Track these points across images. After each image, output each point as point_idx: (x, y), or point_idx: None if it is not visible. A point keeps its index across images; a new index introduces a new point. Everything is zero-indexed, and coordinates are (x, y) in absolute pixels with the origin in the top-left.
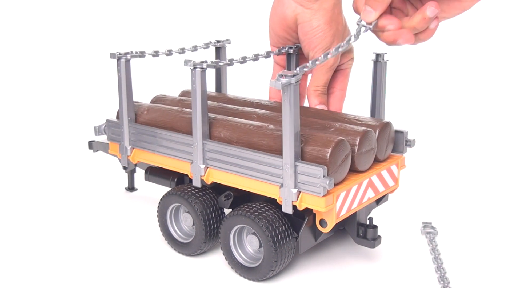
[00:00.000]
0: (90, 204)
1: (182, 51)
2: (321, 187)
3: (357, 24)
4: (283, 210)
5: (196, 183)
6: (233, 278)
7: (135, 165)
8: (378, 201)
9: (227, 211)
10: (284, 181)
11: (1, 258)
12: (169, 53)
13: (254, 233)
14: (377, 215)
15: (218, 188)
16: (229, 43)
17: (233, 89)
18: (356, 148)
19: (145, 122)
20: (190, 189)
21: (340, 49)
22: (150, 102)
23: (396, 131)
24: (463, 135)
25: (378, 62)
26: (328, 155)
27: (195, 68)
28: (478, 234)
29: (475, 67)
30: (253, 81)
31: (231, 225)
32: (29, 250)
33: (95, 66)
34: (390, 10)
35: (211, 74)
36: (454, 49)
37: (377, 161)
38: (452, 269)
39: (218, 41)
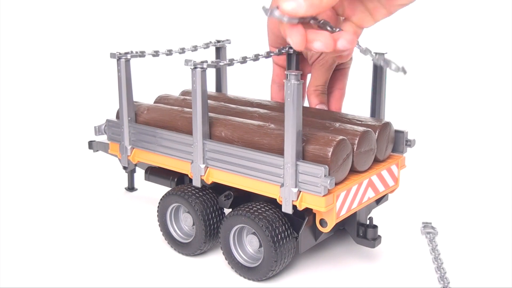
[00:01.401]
0: (90, 204)
1: (182, 51)
2: (322, 186)
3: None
4: (283, 210)
5: (196, 183)
6: (233, 278)
7: (135, 165)
8: (378, 201)
9: (227, 211)
10: (285, 180)
11: (1, 258)
12: (169, 53)
13: (254, 233)
14: (377, 215)
15: (218, 188)
16: (229, 43)
17: (233, 89)
18: (355, 147)
19: (145, 122)
20: (190, 189)
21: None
22: (154, 102)
23: (396, 131)
24: (463, 135)
25: None
26: (329, 154)
27: (195, 68)
28: (478, 234)
29: (475, 66)
30: (253, 81)
31: (231, 225)
32: (29, 250)
33: (95, 66)
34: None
35: (211, 74)
36: (454, 49)
37: (377, 161)
38: (452, 269)
39: (218, 41)
